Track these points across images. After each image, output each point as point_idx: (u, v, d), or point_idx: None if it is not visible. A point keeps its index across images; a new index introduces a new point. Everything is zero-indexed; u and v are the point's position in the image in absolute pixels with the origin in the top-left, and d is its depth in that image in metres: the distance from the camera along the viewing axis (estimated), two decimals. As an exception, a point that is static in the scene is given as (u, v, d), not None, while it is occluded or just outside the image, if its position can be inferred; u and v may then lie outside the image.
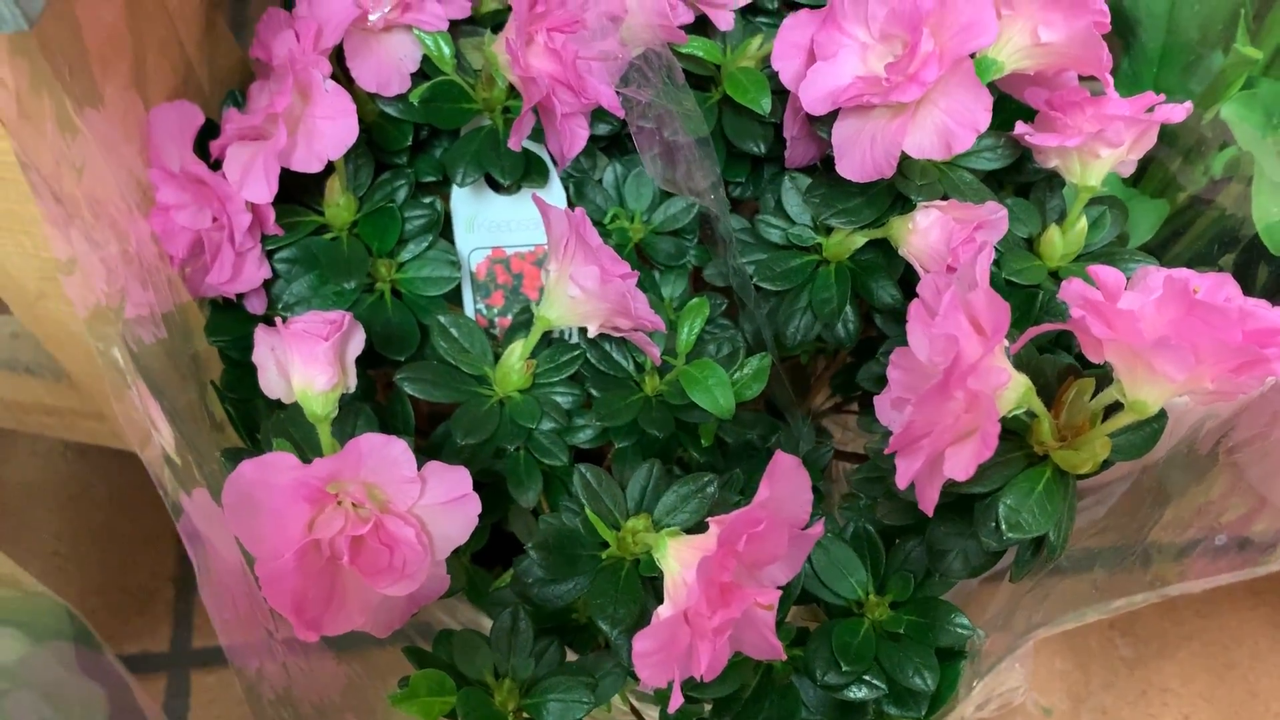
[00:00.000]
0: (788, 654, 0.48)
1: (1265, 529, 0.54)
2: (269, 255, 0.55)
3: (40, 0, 0.32)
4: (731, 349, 0.54)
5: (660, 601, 0.42)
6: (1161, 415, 0.43)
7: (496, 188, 0.57)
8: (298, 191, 0.56)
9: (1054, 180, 0.56)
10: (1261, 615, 0.89)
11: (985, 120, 0.48)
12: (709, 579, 0.40)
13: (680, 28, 0.55)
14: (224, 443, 0.53)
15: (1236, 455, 0.51)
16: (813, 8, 0.54)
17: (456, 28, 0.56)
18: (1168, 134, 0.60)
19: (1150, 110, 0.51)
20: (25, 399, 0.77)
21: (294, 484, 0.41)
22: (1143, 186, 0.72)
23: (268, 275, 0.54)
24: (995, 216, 0.49)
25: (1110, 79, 0.51)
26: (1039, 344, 0.47)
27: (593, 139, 0.55)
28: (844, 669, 0.47)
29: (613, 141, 0.59)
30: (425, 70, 0.56)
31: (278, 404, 0.48)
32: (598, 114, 0.55)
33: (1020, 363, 0.44)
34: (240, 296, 0.55)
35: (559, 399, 0.53)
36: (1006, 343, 0.41)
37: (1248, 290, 0.42)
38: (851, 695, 0.48)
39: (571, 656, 0.50)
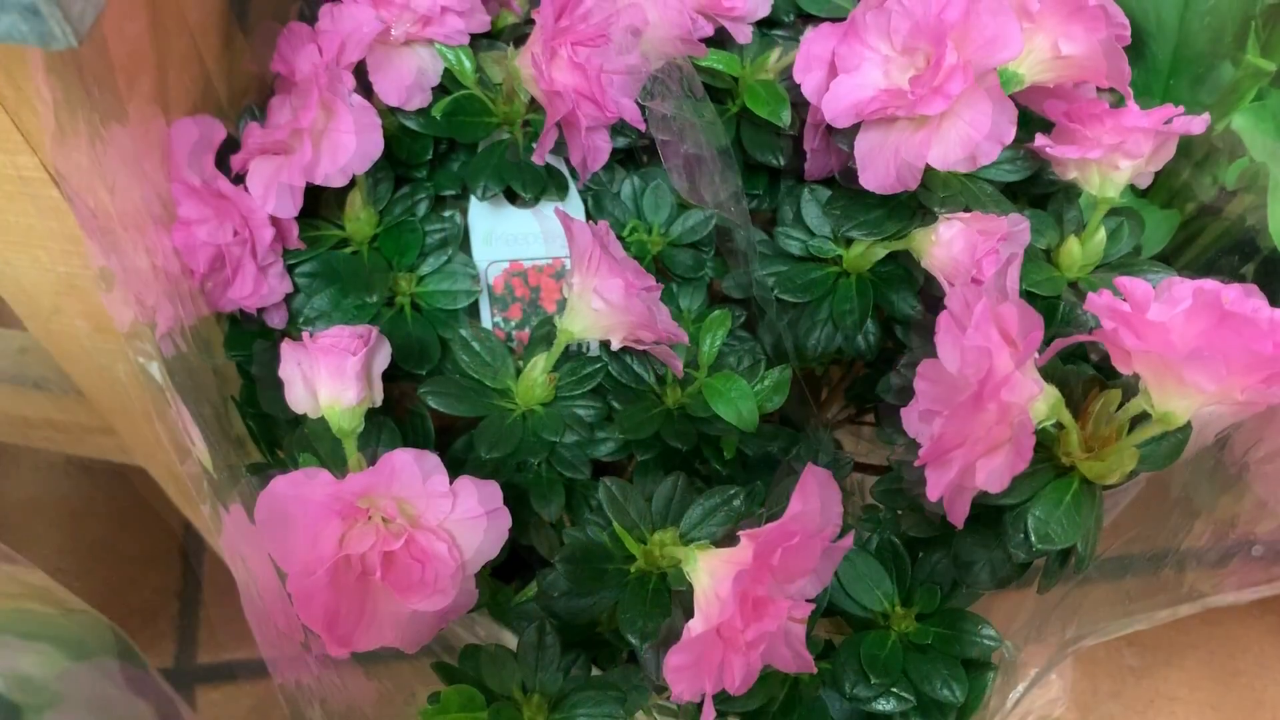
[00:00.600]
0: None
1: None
2: (289, 269, 0.54)
3: (90, 18, 0.32)
4: (752, 361, 0.54)
5: (686, 614, 0.42)
6: (1187, 426, 0.44)
7: (514, 201, 0.57)
8: (317, 205, 0.56)
9: (1071, 191, 0.56)
10: (1268, 624, 0.90)
11: (1011, 133, 0.48)
12: (743, 592, 0.40)
13: (699, 41, 0.55)
14: (244, 458, 0.53)
15: (1267, 466, 0.51)
16: (830, 20, 0.54)
17: (476, 42, 0.56)
18: (1179, 144, 0.60)
19: (1169, 122, 0.51)
20: (32, 414, 0.76)
21: (327, 499, 0.41)
22: (1152, 196, 0.72)
23: (289, 289, 0.54)
24: (1018, 228, 0.49)
25: (1130, 91, 0.51)
26: (1061, 355, 0.47)
27: (610, 152, 0.55)
28: (873, 681, 0.47)
29: (629, 154, 0.59)
30: (444, 84, 0.56)
31: (297, 419, 0.48)
32: (616, 127, 0.55)
33: (1046, 374, 0.44)
34: (260, 311, 0.55)
35: (581, 412, 0.53)
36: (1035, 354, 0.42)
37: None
38: (880, 708, 0.48)
39: (594, 671, 0.50)
